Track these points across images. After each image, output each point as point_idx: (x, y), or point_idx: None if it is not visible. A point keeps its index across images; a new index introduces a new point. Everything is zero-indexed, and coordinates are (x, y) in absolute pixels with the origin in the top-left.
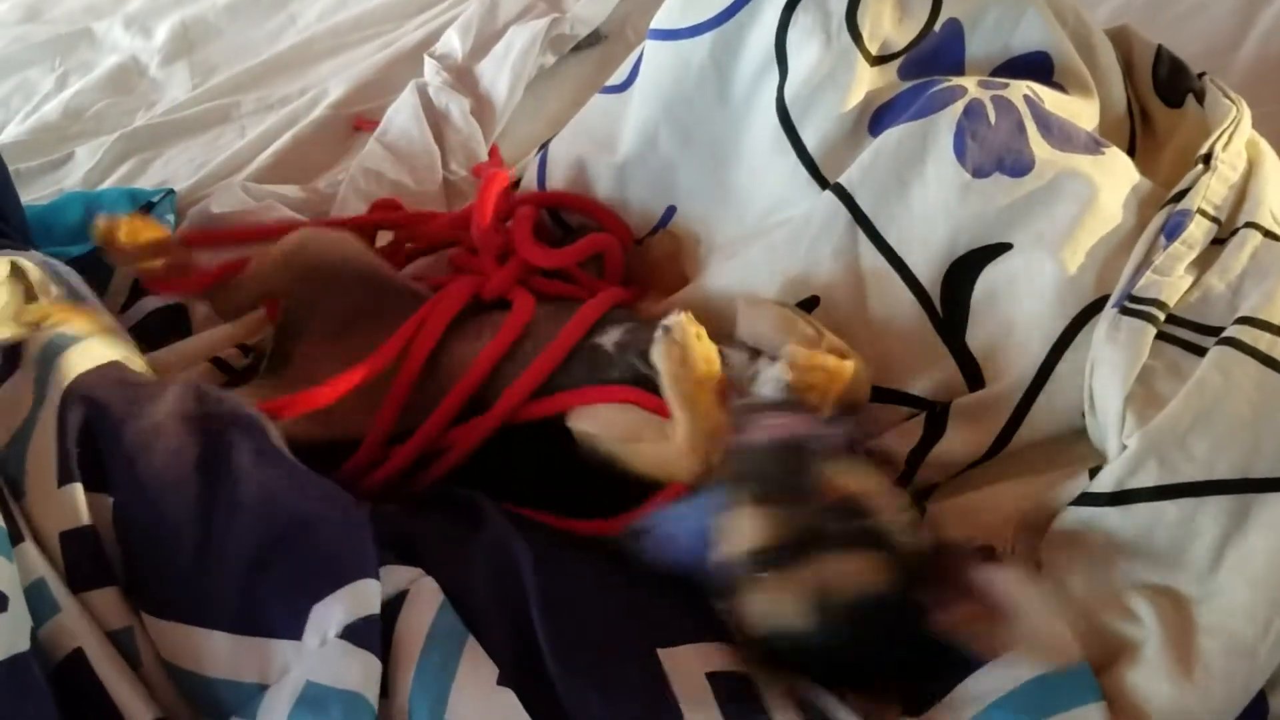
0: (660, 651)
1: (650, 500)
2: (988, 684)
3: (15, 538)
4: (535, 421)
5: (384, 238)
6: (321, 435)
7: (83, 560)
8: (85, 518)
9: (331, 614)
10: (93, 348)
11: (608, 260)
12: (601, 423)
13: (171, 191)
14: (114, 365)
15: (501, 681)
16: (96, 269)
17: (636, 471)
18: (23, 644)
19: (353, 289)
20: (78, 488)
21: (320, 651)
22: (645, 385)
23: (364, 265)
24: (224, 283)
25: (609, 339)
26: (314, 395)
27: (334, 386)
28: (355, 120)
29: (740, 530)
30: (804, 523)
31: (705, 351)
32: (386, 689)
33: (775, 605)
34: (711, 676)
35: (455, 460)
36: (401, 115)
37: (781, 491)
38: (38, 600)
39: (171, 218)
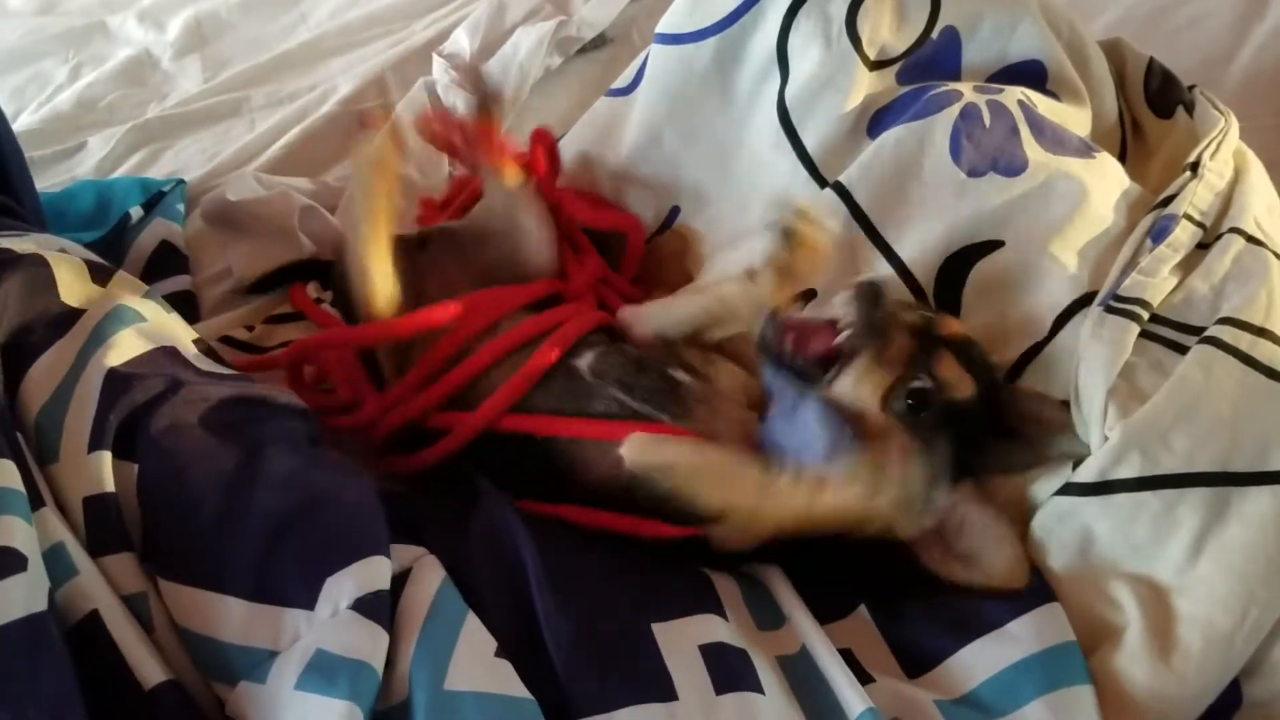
0: (654, 626)
1: None
2: (982, 658)
3: (35, 502)
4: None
5: None
6: None
7: (103, 525)
8: (109, 484)
9: (344, 587)
10: (152, 328)
11: (631, 240)
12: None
13: (182, 181)
14: (170, 348)
15: (500, 653)
16: (107, 256)
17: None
18: (40, 604)
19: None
20: (106, 455)
21: (332, 621)
22: (634, 419)
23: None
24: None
25: (584, 361)
26: (430, 314)
27: (433, 312)
28: (363, 116)
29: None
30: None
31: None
32: (389, 660)
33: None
34: (704, 649)
35: (440, 454)
36: (409, 112)
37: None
38: (56, 563)
39: (182, 207)
